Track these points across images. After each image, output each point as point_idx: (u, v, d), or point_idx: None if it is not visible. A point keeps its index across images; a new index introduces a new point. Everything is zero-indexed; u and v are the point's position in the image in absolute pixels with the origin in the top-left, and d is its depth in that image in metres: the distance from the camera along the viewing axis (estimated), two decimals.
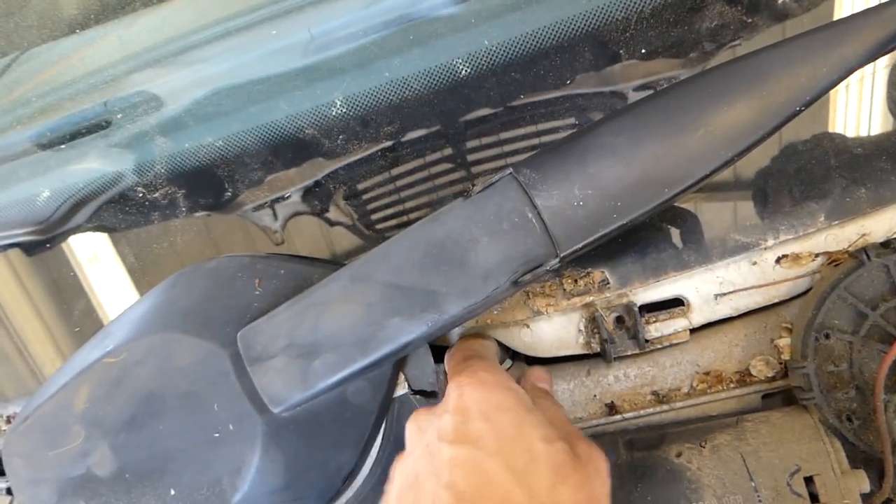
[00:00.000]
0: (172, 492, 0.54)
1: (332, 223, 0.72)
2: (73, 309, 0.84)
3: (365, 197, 0.73)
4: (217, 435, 0.54)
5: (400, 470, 0.49)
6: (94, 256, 0.82)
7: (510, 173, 0.49)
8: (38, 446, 0.57)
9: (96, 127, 0.68)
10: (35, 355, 0.86)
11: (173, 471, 0.54)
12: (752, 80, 0.48)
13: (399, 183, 0.70)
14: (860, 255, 0.52)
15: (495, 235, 0.49)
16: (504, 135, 0.65)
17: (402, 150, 0.66)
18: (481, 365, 0.52)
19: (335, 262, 0.56)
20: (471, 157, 0.67)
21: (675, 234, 0.56)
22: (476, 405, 0.47)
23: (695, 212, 0.57)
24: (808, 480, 0.50)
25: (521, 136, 0.63)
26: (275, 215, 0.72)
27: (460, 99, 0.60)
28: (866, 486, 0.49)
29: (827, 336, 0.52)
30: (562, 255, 0.48)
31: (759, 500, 0.50)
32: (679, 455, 0.53)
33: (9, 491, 0.66)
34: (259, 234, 0.72)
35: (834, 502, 0.49)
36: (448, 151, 0.68)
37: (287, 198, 0.71)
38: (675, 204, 0.57)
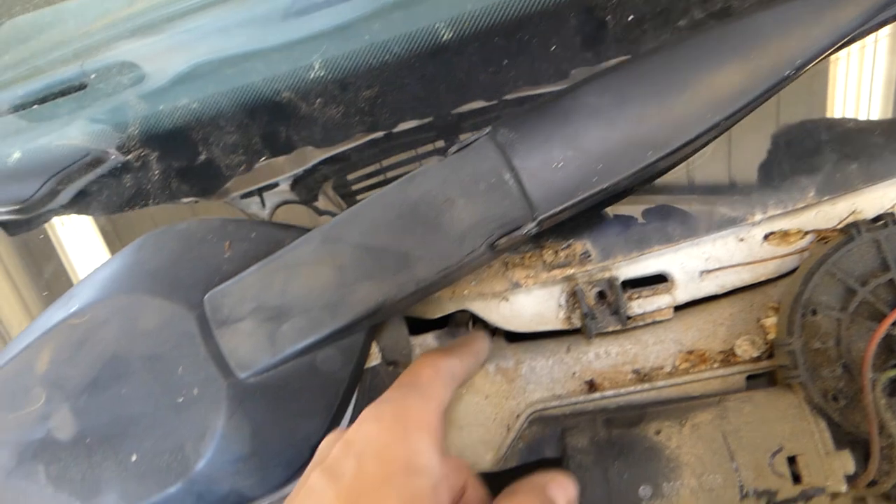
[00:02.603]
0: (134, 457, 0.52)
1: (320, 212, 0.71)
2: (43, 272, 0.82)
3: (355, 187, 0.71)
4: (181, 399, 0.52)
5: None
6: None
7: (488, 133, 0.48)
8: None
9: (70, 89, 0.66)
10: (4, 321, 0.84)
11: (135, 436, 0.52)
12: (742, 42, 0.46)
13: (389, 174, 0.68)
14: (850, 230, 0.50)
15: (471, 197, 0.47)
16: None
17: (394, 140, 0.65)
18: (412, 400, 0.47)
19: (308, 229, 0.54)
20: None
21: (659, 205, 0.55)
22: (361, 444, 0.44)
23: (680, 182, 0.56)
24: (791, 460, 0.48)
25: None
26: (263, 203, 0.70)
27: (442, 64, 0.58)
28: (851, 468, 0.48)
29: (814, 312, 0.50)
30: (539, 218, 0.46)
31: (740, 480, 0.48)
32: (658, 433, 0.51)
33: None
34: None
35: (817, 483, 0.47)
36: (440, 144, 0.66)
37: (276, 186, 0.70)
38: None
